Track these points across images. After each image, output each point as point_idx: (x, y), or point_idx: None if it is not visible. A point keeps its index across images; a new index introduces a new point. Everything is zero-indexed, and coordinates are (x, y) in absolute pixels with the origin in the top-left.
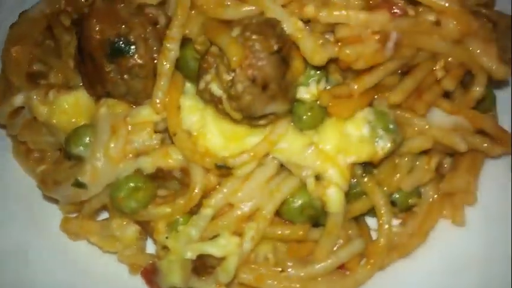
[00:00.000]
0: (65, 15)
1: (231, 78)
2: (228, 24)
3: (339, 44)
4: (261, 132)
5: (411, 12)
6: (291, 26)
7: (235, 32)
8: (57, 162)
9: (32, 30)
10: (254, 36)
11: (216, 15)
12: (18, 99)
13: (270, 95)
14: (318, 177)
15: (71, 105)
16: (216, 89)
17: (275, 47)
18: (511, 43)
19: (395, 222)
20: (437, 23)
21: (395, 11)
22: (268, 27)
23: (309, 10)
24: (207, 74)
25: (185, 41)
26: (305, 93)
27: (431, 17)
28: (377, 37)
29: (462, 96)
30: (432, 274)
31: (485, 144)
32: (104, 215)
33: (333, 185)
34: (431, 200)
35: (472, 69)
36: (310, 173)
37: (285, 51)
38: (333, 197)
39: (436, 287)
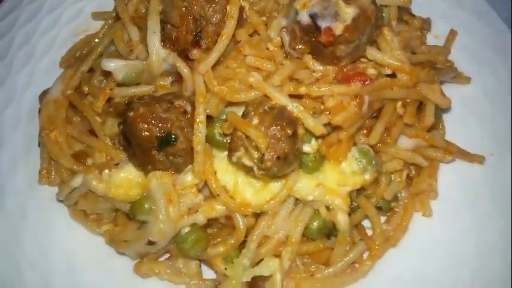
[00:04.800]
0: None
1: (259, 155)
2: (245, 116)
3: (328, 112)
4: (279, 180)
5: (372, 71)
6: (294, 109)
7: (255, 121)
8: (120, 224)
9: (58, 111)
10: (274, 127)
11: (231, 99)
12: (77, 181)
13: (289, 162)
14: (327, 207)
15: (124, 180)
16: (247, 161)
17: (290, 132)
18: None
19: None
20: (393, 75)
21: (364, 79)
22: (281, 116)
23: (303, 89)
24: (237, 151)
25: (208, 119)
26: (308, 147)
27: (388, 71)
28: (355, 102)
29: (418, 123)
30: (412, 256)
31: (439, 155)
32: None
33: (340, 211)
34: (405, 200)
35: (423, 102)
36: (321, 204)
37: (295, 131)
38: (341, 219)
39: (416, 267)
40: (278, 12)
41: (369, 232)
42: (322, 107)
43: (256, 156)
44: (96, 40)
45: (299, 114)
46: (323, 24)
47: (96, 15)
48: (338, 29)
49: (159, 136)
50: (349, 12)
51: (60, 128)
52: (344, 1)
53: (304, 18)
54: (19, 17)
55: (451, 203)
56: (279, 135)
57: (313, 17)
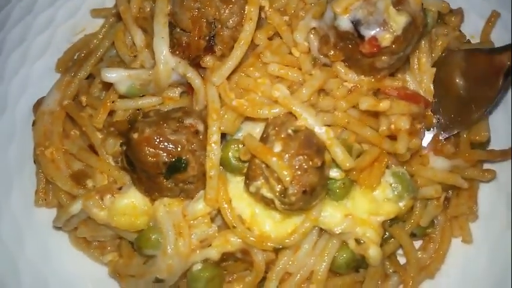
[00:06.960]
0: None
1: (281, 188)
2: (265, 139)
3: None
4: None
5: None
6: (323, 135)
7: (277, 147)
8: (124, 255)
9: (54, 124)
10: (300, 157)
11: (253, 115)
12: (76, 208)
13: (316, 195)
14: (357, 239)
15: (128, 208)
16: (267, 193)
17: (319, 163)
18: None
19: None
20: None
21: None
22: (308, 142)
23: (385, 104)
24: (256, 181)
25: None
26: (336, 173)
27: None
28: (420, 125)
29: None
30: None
31: (480, 173)
32: None
33: (371, 244)
34: (443, 225)
35: None
36: (350, 237)
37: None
38: (373, 254)
39: None
40: (305, 11)
41: (401, 259)
42: (392, 126)
43: (278, 189)
44: (96, 41)
45: (328, 141)
46: (367, 33)
47: (96, 13)
48: (386, 40)
49: (167, 162)
50: (399, 21)
51: (57, 144)
52: (394, 6)
53: (344, 24)
54: (10, 15)
55: (494, 226)
56: (305, 166)
57: (355, 23)
